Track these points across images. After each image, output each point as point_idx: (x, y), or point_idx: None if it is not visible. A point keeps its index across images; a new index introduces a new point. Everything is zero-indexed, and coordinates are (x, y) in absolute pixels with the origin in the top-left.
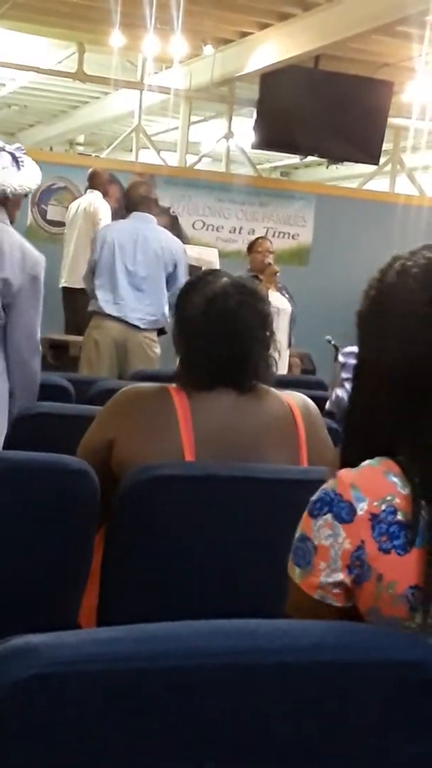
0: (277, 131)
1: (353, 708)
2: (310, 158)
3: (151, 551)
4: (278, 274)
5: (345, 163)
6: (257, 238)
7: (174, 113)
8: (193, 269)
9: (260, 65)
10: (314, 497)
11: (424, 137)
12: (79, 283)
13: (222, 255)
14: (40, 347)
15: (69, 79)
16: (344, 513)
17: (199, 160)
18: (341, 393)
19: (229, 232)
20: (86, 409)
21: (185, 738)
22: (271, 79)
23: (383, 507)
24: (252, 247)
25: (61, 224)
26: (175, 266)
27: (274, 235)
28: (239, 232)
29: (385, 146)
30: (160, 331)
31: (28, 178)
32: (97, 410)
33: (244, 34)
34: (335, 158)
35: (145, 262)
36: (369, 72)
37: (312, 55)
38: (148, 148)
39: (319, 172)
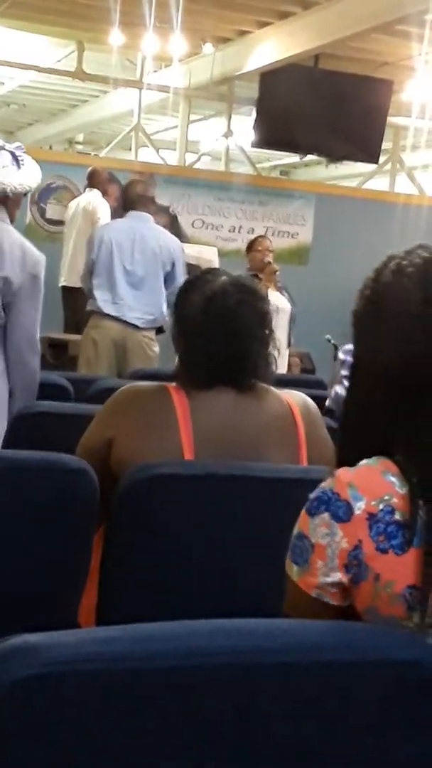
0: (276, 130)
1: (352, 707)
2: (309, 157)
3: (150, 550)
4: (278, 274)
5: (344, 162)
6: (257, 237)
7: (173, 112)
8: (192, 268)
9: (260, 64)
10: (312, 495)
11: (424, 136)
12: (78, 282)
13: (221, 254)
14: (40, 347)
15: (68, 78)
16: (341, 512)
17: (199, 158)
18: (340, 390)
19: (229, 231)
20: (85, 408)
21: (184, 738)
22: (271, 78)
23: (381, 506)
24: (251, 246)
25: (61, 223)
26: (173, 265)
27: (273, 234)
28: (239, 231)
29: (385, 145)
30: (159, 330)
31: (28, 176)
32: (96, 409)
33: (244, 33)
34: (335, 157)
35: (143, 261)
36: (368, 71)
37: (311, 54)
38: (148, 146)
39: (319, 171)
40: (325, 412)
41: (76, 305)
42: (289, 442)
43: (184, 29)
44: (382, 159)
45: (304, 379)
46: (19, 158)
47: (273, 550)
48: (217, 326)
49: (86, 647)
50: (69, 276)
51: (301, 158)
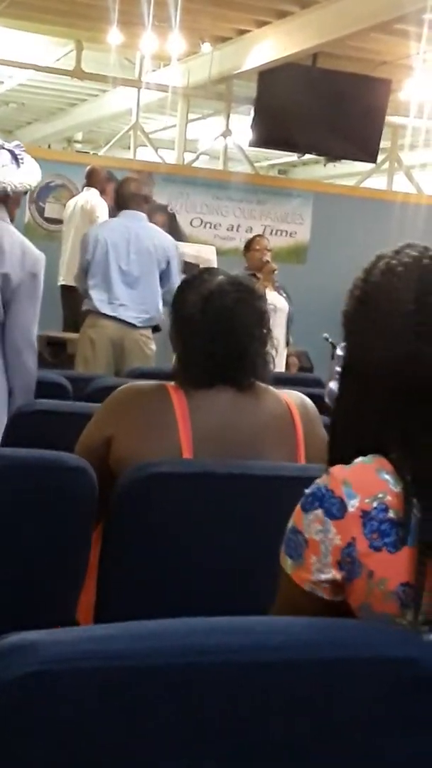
0: (274, 129)
1: (349, 705)
2: (307, 156)
3: (149, 548)
4: (276, 273)
5: (342, 161)
6: (255, 236)
7: (172, 111)
8: (190, 267)
9: (258, 63)
10: (307, 491)
11: (422, 135)
12: None
13: (220, 253)
14: (36, 345)
15: (67, 77)
16: (335, 509)
17: (197, 157)
18: (334, 386)
19: (227, 229)
20: (84, 407)
21: (182, 735)
22: (269, 77)
23: (374, 504)
24: (249, 245)
25: (59, 222)
26: (168, 263)
27: (271, 233)
28: (237, 230)
29: (383, 144)
30: (155, 329)
31: (27, 175)
32: (94, 408)
33: (242, 32)
34: (333, 156)
35: (139, 260)
36: (367, 70)
37: (310, 53)
38: (146, 145)
39: (317, 169)
40: (326, 411)
41: (74, 304)
42: (288, 442)
43: (183, 28)
44: (380, 158)
45: (302, 377)
46: (19, 157)
47: (271, 548)
48: (214, 325)
49: (84, 645)
50: (68, 275)
51: (299, 157)
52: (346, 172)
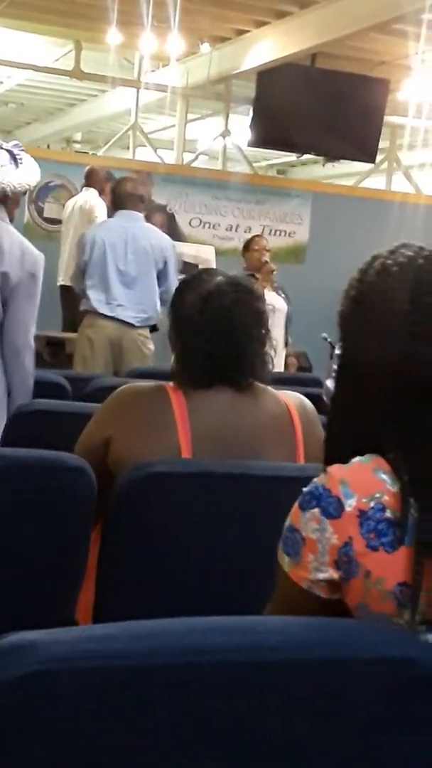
0: (273, 129)
1: (347, 704)
2: (306, 156)
3: (148, 548)
4: (275, 273)
5: (341, 161)
6: (253, 237)
7: (171, 111)
8: (189, 267)
9: (257, 63)
10: (305, 489)
11: (421, 135)
12: None
13: (218, 253)
14: (33, 345)
15: (66, 77)
16: (332, 508)
17: (196, 157)
18: (331, 384)
19: (226, 229)
20: (83, 407)
21: (181, 734)
22: (268, 77)
23: (372, 504)
24: (248, 245)
25: (58, 222)
26: (165, 263)
27: (270, 233)
28: (236, 230)
29: (382, 144)
30: (152, 328)
31: (26, 175)
32: (94, 407)
33: (241, 32)
34: (332, 156)
35: (136, 260)
36: (365, 70)
37: (309, 53)
38: (145, 145)
39: (316, 170)
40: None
41: (73, 304)
42: (287, 442)
43: (182, 29)
44: (378, 158)
45: (300, 377)
46: (17, 157)
47: (270, 548)
48: (213, 325)
49: (84, 644)
50: (67, 275)
51: (297, 157)
52: (345, 172)
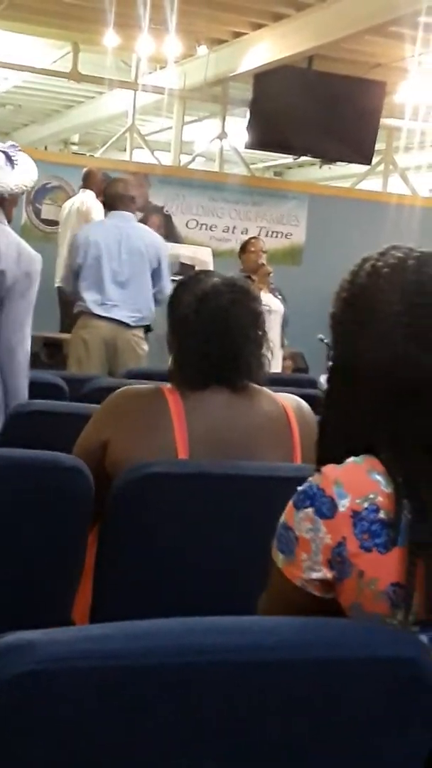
0: (270, 131)
1: (346, 704)
2: (303, 158)
3: (145, 549)
4: (271, 275)
5: (338, 163)
6: (250, 239)
7: (168, 113)
8: (186, 268)
9: (254, 65)
10: (300, 488)
11: (417, 137)
12: None
13: (215, 254)
14: (29, 345)
15: (63, 79)
16: (325, 508)
17: (193, 159)
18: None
19: (223, 231)
20: (80, 407)
21: (179, 734)
22: (265, 80)
23: (365, 505)
24: (245, 247)
25: (56, 223)
26: (160, 262)
27: (267, 235)
28: (232, 232)
29: (378, 146)
30: (147, 329)
31: (23, 175)
32: (91, 408)
33: (238, 35)
34: (328, 158)
35: (130, 260)
36: (362, 72)
37: (305, 56)
38: (142, 147)
39: (312, 171)
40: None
41: (71, 305)
42: (284, 444)
43: (179, 31)
44: (375, 160)
45: (296, 378)
46: (13, 158)
47: (266, 549)
48: (209, 326)
49: (81, 644)
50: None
51: (294, 159)
52: (342, 174)
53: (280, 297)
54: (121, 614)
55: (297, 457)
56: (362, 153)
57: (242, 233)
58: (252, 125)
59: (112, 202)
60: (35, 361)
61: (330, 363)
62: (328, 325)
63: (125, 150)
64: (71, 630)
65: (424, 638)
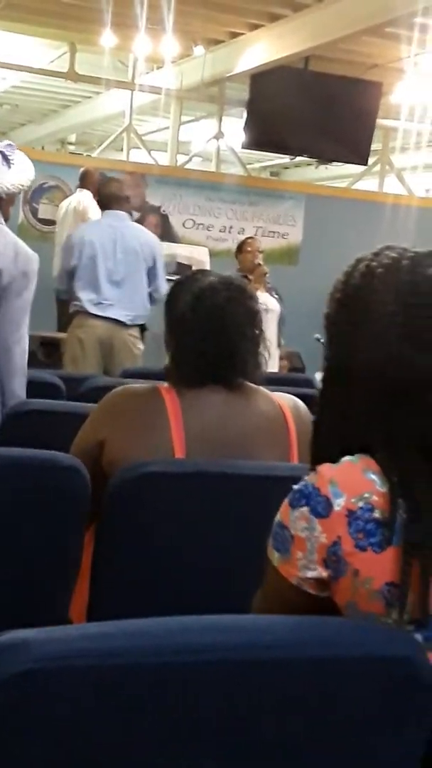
0: (266, 131)
1: (343, 703)
2: (299, 158)
3: (141, 548)
4: (267, 275)
5: (334, 163)
6: (246, 238)
7: (165, 113)
8: (183, 268)
9: (250, 66)
10: (295, 487)
11: (413, 138)
12: None
13: (212, 254)
14: (27, 344)
15: (60, 79)
16: (320, 508)
17: (190, 159)
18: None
19: (219, 231)
20: (77, 406)
21: (175, 733)
22: (261, 80)
23: (360, 504)
24: (241, 247)
25: (53, 223)
26: (155, 261)
27: (263, 235)
28: (229, 231)
29: (374, 147)
30: (142, 328)
31: (20, 174)
32: (88, 407)
33: (235, 35)
34: (325, 158)
35: (126, 259)
36: (358, 73)
37: (302, 56)
38: (139, 147)
39: (309, 172)
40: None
41: (68, 304)
42: (281, 444)
43: (176, 31)
44: (371, 160)
45: (292, 377)
46: (10, 157)
47: (263, 548)
48: (205, 324)
49: (78, 643)
50: None
51: (291, 159)
52: (338, 175)
53: (276, 296)
54: (118, 613)
55: (294, 456)
56: (359, 153)
57: (239, 233)
58: (249, 125)
59: (106, 201)
60: (32, 361)
61: (324, 363)
62: (323, 325)
63: (122, 150)
64: (68, 629)
65: (418, 637)
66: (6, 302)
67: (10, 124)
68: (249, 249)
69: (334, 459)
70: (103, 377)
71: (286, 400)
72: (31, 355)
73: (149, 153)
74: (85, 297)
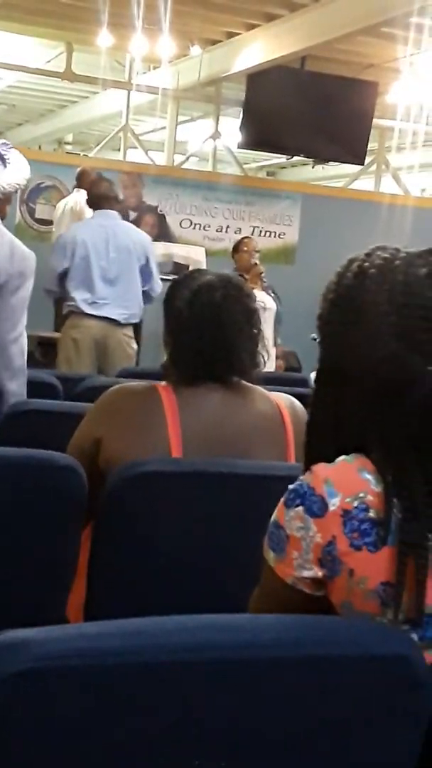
0: (263, 131)
1: (340, 702)
2: (296, 158)
3: (138, 547)
4: (263, 274)
5: (330, 162)
6: (243, 238)
7: (161, 113)
8: (180, 268)
9: (247, 65)
10: (290, 487)
11: (409, 137)
12: None
13: (209, 254)
14: (25, 343)
15: (57, 79)
16: (315, 507)
17: (187, 159)
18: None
19: (216, 230)
20: (75, 406)
21: (174, 731)
22: (258, 80)
23: (355, 504)
24: (238, 246)
25: (50, 223)
26: (147, 258)
27: (260, 234)
28: (226, 231)
29: (370, 146)
30: (136, 327)
31: (16, 173)
32: (85, 407)
33: (231, 35)
34: (321, 158)
35: (119, 258)
36: (354, 73)
37: (298, 56)
38: (136, 147)
39: (305, 171)
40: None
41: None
42: (278, 443)
43: (173, 31)
44: (367, 160)
45: (288, 377)
46: (5, 156)
47: (260, 547)
48: (202, 321)
49: (76, 642)
50: None
51: (287, 159)
52: (334, 174)
53: (273, 295)
54: (116, 612)
55: (291, 456)
56: (355, 153)
57: (235, 233)
58: (245, 125)
59: (97, 201)
60: (29, 360)
61: (318, 363)
62: (316, 325)
63: (119, 150)
64: (66, 628)
65: (413, 637)
66: (3, 301)
67: (7, 124)
68: (245, 249)
69: (329, 459)
70: (100, 377)
71: (283, 400)
72: (29, 355)
73: (146, 153)
74: (79, 297)
